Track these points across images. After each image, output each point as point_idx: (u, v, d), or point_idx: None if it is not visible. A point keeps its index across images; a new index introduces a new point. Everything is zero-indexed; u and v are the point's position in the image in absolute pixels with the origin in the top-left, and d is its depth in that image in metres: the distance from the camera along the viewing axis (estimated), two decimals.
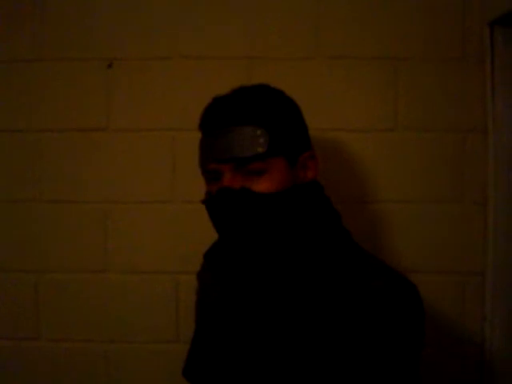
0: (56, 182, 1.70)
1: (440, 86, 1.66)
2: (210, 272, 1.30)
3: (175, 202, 1.69)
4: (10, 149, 1.71)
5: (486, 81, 1.64)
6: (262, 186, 1.10)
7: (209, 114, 1.18)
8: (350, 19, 1.66)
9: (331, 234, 1.17)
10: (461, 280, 1.65)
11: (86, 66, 1.69)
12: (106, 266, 1.70)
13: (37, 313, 1.71)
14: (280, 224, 1.12)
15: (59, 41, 1.69)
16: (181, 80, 1.68)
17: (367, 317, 1.05)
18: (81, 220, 1.70)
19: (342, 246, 1.17)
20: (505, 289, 1.61)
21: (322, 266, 1.13)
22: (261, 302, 1.16)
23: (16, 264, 1.72)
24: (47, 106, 1.70)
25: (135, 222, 1.69)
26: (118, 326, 1.70)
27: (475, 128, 1.65)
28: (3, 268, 1.72)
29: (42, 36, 1.69)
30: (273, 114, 1.14)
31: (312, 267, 1.13)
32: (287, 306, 1.12)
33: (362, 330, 1.05)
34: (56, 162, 1.70)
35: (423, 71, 1.66)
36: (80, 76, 1.69)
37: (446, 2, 1.65)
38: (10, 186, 1.72)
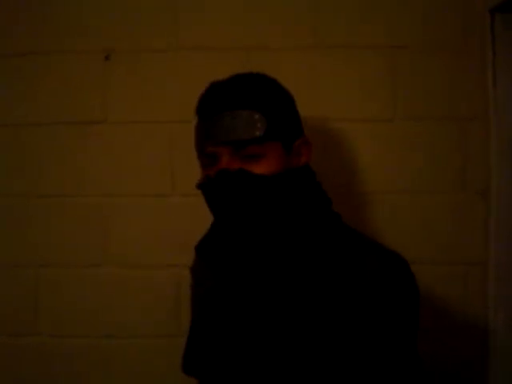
0: (53, 176, 1.69)
1: (440, 75, 1.64)
2: (203, 264, 1.31)
3: (174, 195, 1.68)
4: (5, 143, 1.70)
5: (486, 68, 1.63)
6: (260, 169, 1.12)
7: (206, 99, 1.19)
8: (349, 8, 1.65)
9: (323, 216, 1.20)
10: (463, 270, 1.65)
11: (82, 58, 1.68)
12: (105, 260, 1.69)
13: (35, 308, 1.70)
14: (276, 205, 1.14)
15: (55, 33, 1.68)
16: (179, 72, 1.67)
17: (362, 295, 1.07)
18: (79, 214, 1.69)
19: (333, 228, 1.20)
20: (507, 278, 1.61)
21: (315, 247, 1.15)
22: (254, 288, 1.17)
23: (14, 259, 1.71)
24: (43, 99, 1.69)
25: (133, 215, 1.68)
26: (118, 320, 1.69)
27: (476, 116, 1.64)
28: (1, 263, 1.71)
29: (38, 28, 1.68)
30: (269, 99, 1.16)
31: (305, 249, 1.15)
32: (282, 291, 1.14)
33: (358, 308, 1.07)
34: (53, 157, 1.69)
35: (423, 60, 1.65)
36: (77, 68, 1.68)
37: None
38: (7, 180, 1.71)
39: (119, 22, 1.67)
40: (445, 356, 1.62)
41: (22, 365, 1.71)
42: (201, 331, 1.27)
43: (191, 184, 1.63)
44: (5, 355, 1.71)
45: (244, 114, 1.12)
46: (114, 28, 1.67)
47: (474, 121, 1.64)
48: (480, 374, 1.65)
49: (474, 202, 1.65)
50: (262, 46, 1.66)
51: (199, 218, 1.62)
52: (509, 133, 1.61)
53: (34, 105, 1.69)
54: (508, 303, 1.61)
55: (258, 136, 1.11)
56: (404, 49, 1.65)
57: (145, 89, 1.67)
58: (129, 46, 1.67)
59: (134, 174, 1.68)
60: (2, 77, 1.70)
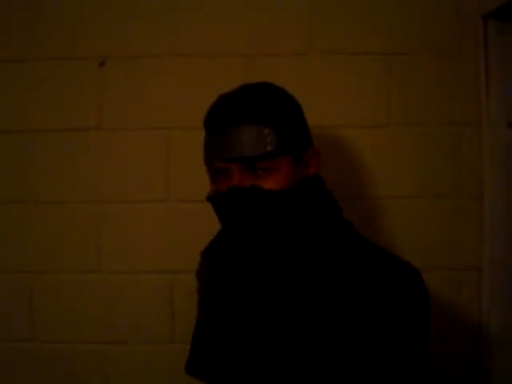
0: (49, 183, 1.69)
1: (434, 81, 1.65)
2: (209, 269, 1.30)
3: (169, 201, 1.67)
4: (0, 150, 1.70)
5: (480, 74, 1.63)
6: (271, 184, 1.11)
7: (215, 112, 1.18)
8: (344, 14, 1.65)
9: (334, 226, 1.19)
10: (457, 275, 1.65)
11: (77, 64, 1.67)
12: (101, 266, 1.68)
13: (31, 314, 1.69)
14: (289, 220, 1.14)
15: (50, 40, 1.67)
16: (174, 78, 1.67)
17: (374, 304, 1.07)
18: (75, 220, 1.68)
19: (345, 238, 1.19)
20: (502, 284, 1.61)
21: (327, 256, 1.15)
22: (266, 296, 1.17)
23: (11, 265, 1.70)
24: (38, 105, 1.68)
25: (129, 221, 1.68)
26: (113, 326, 1.68)
27: (470, 122, 1.64)
28: None
29: (33, 35, 1.68)
30: (279, 112, 1.15)
31: (316, 259, 1.15)
32: (293, 300, 1.14)
33: (370, 317, 1.07)
34: (49, 163, 1.69)
35: (417, 65, 1.65)
36: (72, 75, 1.68)
37: None
38: (2, 187, 1.70)
39: (114, 28, 1.67)
40: (439, 359, 1.62)
41: (18, 370, 1.70)
42: (208, 335, 1.28)
43: (186, 190, 1.65)
44: (1, 360, 1.70)
45: (253, 129, 1.11)
46: (109, 34, 1.67)
47: (468, 126, 1.64)
48: (474, 377, 1.65)
49: (469, 207, 1.65)
50: (260, 52, 1.65)
51: (195, 224, 1.64)
52: (502, 138, 1.61)
53: (30, 111, 1.69)
54: (502, 308, 1.61)
55: (268, 151, 1.10)
56: (399, 55, 1.65)
57: (140, 95, 1.67)
58: (124, 52, 1.66)
59: (130, 180, 1.68)
60: None
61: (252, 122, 1.11)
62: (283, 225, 1.13)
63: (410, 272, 1.10)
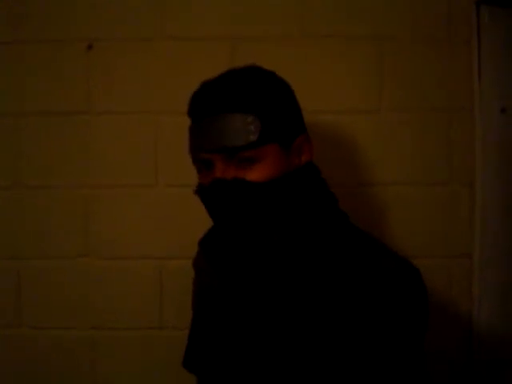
0: (36, 167, 1.67)
1: (426, 66, 1.64)
2: (205, 259, 1.26)
3: (158, 185, 1.66)
4: None
5: (472, 60, 1.63)
6: (255, 174, 1.07)
7: (197, 101, 1.13)
8: (336, 0, 1.63)
9: (329, 217, 1.15)
10: (448, 262, 1.64)
11: (65, 47, 1.65)
12: (88, 251, 1.67)
13: (19, 300, 1.68)
14: (276, 212, 1.09)
15: (37, 22, 1.65)
16: (163, 62, 1.65)
17: (370, 302, 1.02)
18: (62, 205, 1.67)
19: (341, 230, 1.14)
20: (492, 270, 1.61)
21: (321, 250, 1.10)
22: (260, 290, 1.13)
23: None
24: (26, 89, 1.66)
25: (117, 206, 1.67)
26: (102, 312, 1.67)
27: (462, 108, 1.64)
28: None
29: (20, 17, 1.65)
30: (264, 98, 1.10)
31: (310, 252, 1.10)
32: (285, 292, 1.10)
33: (365, 314, 1.03)
34: (36, 147, 1.67)
35: (409, 51, 1.64)
36: (59, 58, 1.66)
37: None
38: None
39: (102, 11, 1.64)
40: (430, 346, 1.63)
41: (5, 357, 1.69)
42: (200, 328, 1.25)
43: (175, 175, 1.64)
44: None
45: (236, 118, 1.06)
46: (97, 17, 1.65)
47: (460, 112, 1.63)
48: (465, 363, 1.65)
49: (460, 194, 1.64)
50: (248, 36, 1.64)
51: (184, 210, 1.63)
52: (494, 124, 1.61)
53: (17, 94, 1.67)
54: (492, 295, 1.61)
55: (251, 141, 1.05)
56: (390, 40, 1.64)
57: (129, 79, 1.65)
58: (112, 35, 1.64)
59: (118, 165, 1.66)
60: None
61: (235, 110, 1.07)
62: (269, 218, 1.09)
63: (410, 271, 1.06)
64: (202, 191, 1.12)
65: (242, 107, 1.07)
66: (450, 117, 1.64)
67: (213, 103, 1.09)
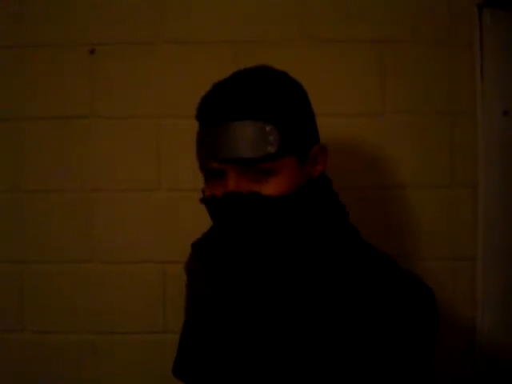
0: (39, 171, 1.67)
1: (428, 69, 1.64)
2: (198, 263, 1.21)
3: (161, 189, 1.66)
4: None
5: (474, 63, 1.62)
6: (272, 188, 1.00)
7: (209, 104, 1.05)
8: (336, 2, 1.63)
9: (340, 233, 1.10)
10: (452, 265, 1.64)
11: (68, 51, 1.66)
12: (92, 256, 1.67)
13: (21, 304, 1.68)
14: (290, 227, 1.04)
15: (40, 26, 1.65)
16: (165, 65, 1.65)
17: (379, 318, 0.98)
18: (64, 209, 1.67)
19: (352, 245, 1.10)
20: (496, 273, 1.61)
21: (331, 266, 1.06)
22: (264, 302, 1.09)
23: (1, 254, 1.69)
24: (28, 93, 1.66)
25: (120, 210, 1.67)
26: (104, 316, 1.67)
27: (464, 111, 1.63)
28: None
29: (23, 21, 1.66)
30: (282, 104, 1.02)
31: (320, 268, 1.06)
32: (292, 307, 1.06)
33: (373, 332, 0.99)
34: (39, 151, 1.67)
35: (411, 54, 1.64)
36: (62, 62, 1.66)
37: None
38: None
39: (105, 15, 1.65)
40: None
41: (8, 361, 1.69)
42: (196, 336, 1.21)
43: (178, 179, 1.64)
44: None
45: (253, 126, 0.98)
46: (99, 21, 1.65)
47: (463, 114, 1.63)
48: (469, 363, 1.65)
49: (464, 196, 1.64)
50: (249, 40, 1.64)
51: (185, 213, 1.63)
52: (497, 126, 1.61)
53: (19, 99, 1.67)
54: (496, 297, 1.61)
55: (270, 152, 0.98)
56: (392, 43, 1.64)
57: (131, 83, 1.65)
58: (114, 39, 1.65)
59: (121, 169, 1.66)
60: None
61: (251, 117, 0.99)
62: (283, 234, 1.04)
63: (420, 288, 1.01)
64: (213, 203, 1.05)
65: (259, 114, 0.99)
66: (453, 119, 1.63)
67: (227, 108, 1.01)
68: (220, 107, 1.01)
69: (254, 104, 1.00)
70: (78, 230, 1.67)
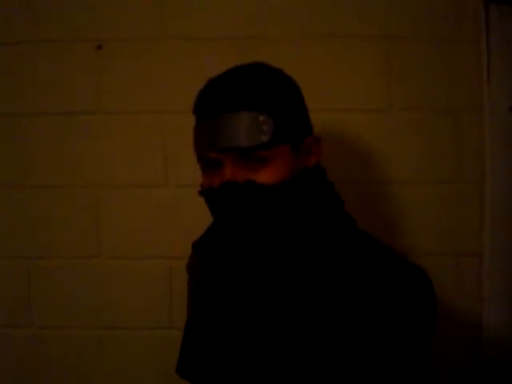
0: (47, 167, 1.68)
1: (435, 65, 1.64)
2: (201, 262, 1.22)
3: (168, 185, 1.67)
4: None
5: (481, 59, 1.62)
6: (267, 176, 1.03)
7: (205, 98, 1.09)
8: None
9: (335, 221, 1.12)
10: (458, 260, 1.64)
11: (74, 47, 1.66)
12: (99, 251, 1.68)
13: (29, 299, 1.69)
14: (286, 215, 1.07)
15: (47, 22, 1.66)
16: (172, 61, 1.66)
17: (376, 306, 1.00)
18: (73, 205, 1.68)
19: (348, 234, 1.12)
20: (502, 269, 1.61)
21: (328, 256, 1.08)
22: (260, 294, 1.11)
23: (8, 251, 1.70)
24: (35, 89, 1.67)
25: (127, 206, 1.67)
26: (112, 312, 1.68)
27: (471, 107, 1.63)
28: None
29: (29, 17, 1.66)
30: (276, 96, 1.06)
31: (315, 255, 1.08)
32: (292, 300, 1.07)
33: (371, 319, 1.00)
34: (47, 147, 1.67)
35: (417, 50, 1.64)
36: (68, 58, 1.66)
37: None
38: (1, 171, 1.69)
39: (112, 11, 1.65)
40: (439, 345, 1.62)
41: (15, 357, 1.70)
42: (198, 334, 1.22)
43: (185, 175, 1.64)
44: None
45: (248, 116, 1.02)
46: (106, 17, 1.65)
47: (469, 111, 1.63)
48: (475, 359, 1.65)
49: (470, 192, 1.64)
50: (257, 36, 1.64)
51: (194, 209, 1.62)
52: (503, 122, 1.61)
53: (26, 94, 1.67)
54: (503, 293, 1.61)
55: (264, 141, 1.02)
56: (399, 39, 1.63)
57: (137, 79, 1.66)
58: (121, 35, 1.65)
59: (127, 165, 1.67)
60: None
61: (246, 108, 1.03)
62: (280, 222, 1.06)
63: (417, 274, 1.04)
64: (210, 194, 1.08)
65: (253, 104, 1.03)
66: (459, 115, 1.63)
67: (223, 100, 1.04)
68: (216, 100, 1.06)
69: (249, 95, 1.04)
70: (84, 226, 1.68)
